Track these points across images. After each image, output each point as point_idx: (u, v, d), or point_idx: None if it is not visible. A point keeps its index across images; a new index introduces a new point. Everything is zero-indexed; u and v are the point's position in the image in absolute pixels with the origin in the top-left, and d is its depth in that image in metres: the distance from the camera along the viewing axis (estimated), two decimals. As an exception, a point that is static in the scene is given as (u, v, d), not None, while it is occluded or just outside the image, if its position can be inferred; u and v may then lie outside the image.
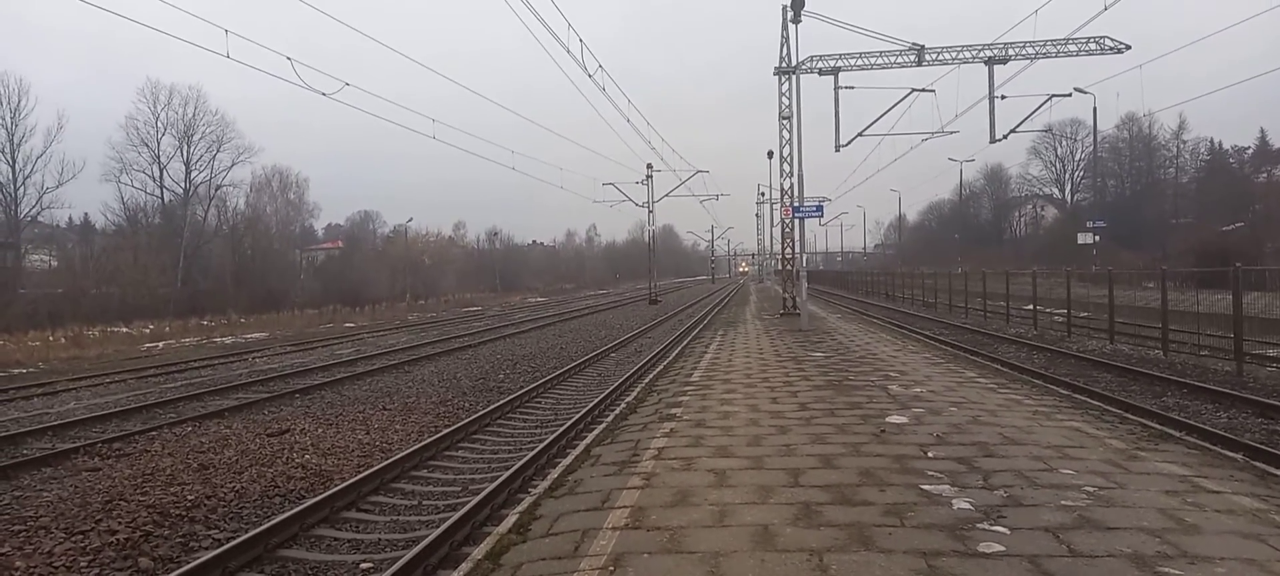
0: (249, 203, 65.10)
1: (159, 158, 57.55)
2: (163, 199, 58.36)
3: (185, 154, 58.43)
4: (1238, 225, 56.69)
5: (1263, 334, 15.99)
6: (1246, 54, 77.78)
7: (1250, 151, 73.83)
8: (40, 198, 52.43)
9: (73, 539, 7.11)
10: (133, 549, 6.88)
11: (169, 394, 16.13)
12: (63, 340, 31.50)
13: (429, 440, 10.56)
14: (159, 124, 57.28)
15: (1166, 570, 4.04)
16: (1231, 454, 7.21)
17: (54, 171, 52.44)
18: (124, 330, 36.15)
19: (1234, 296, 15.62)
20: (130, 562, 6.63)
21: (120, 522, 7.50)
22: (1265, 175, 69.54)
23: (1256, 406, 11.54)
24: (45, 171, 51.85)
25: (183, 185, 58.89)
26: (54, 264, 55.02)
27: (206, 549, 6.87)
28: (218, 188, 60.35)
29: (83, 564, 6.56)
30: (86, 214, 63.96)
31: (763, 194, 63.13)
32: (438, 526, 6.98)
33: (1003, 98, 27.02)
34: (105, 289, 46.94)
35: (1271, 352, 15.37)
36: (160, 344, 31.72)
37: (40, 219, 54.79)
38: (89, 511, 7.90)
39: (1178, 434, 8.11)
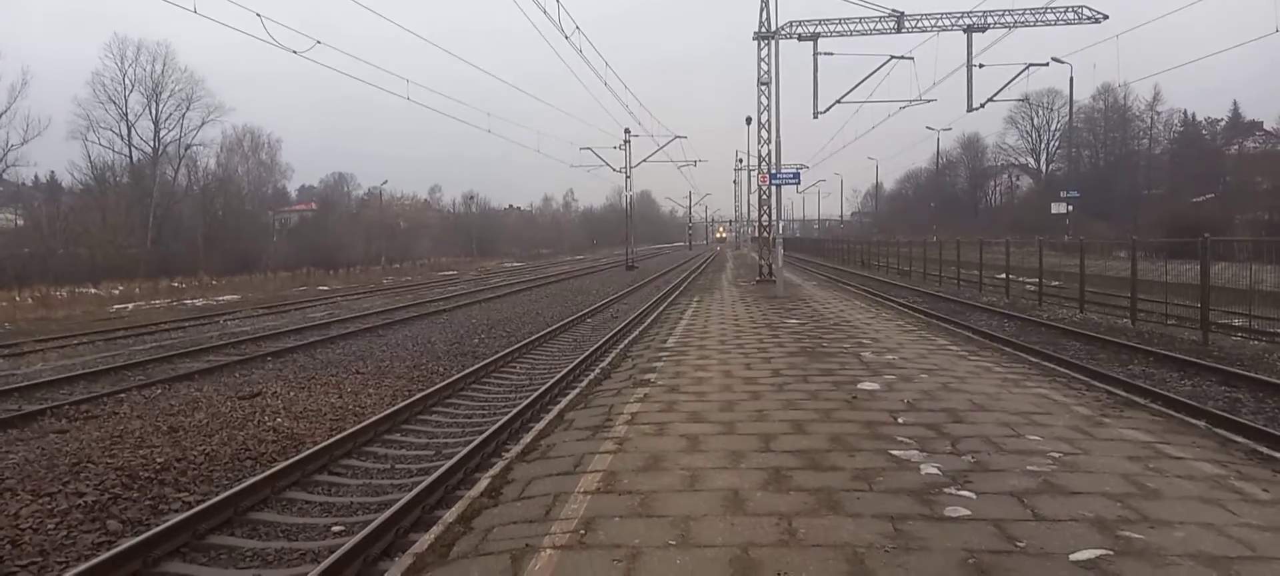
0: (220, 163, 64.04)
1: (127, 115, 56.30)
2: (131, 158, 57.20)
3: (154, 112, 57.23)
4: (1208, 196, 57.50)
5: (1229, 304, 16.24)
6: (1222, 25, 78.29)
7: (1223, 123, 74.77)
8: (4, 155, 51.06)
9: (40, 501, 7.02)
10: (101, 511, 6.82)
11: (138, 356, 15.94)
12: (30, 301, 30.97)
13: (402, 404, 10.52)
14: (127, 81, 55.98)
15: (1128, 533, 4.12)
16: (1194, 421, 7.35)
17: (19, 128, 50.88)
18: (93, 291, 35.56)
19: (1202, 267, 15.84)
20: (98, 525, 6.57)
21: (88, 485, 7.42)
22: (1237, 147, 70.52)
23: (1220, 375, 11.76)
24: (10, 128, 50.44)
25: (152, 144, 57.72)
26: (20, 223, 53.88)
27: (176, 511, 6.82)
28: (188, 147, 59.24)
29: (50, 526, 6.49)
30: (53, 172, 62.89)
31: (740, 160, 63.05)
32: (410, 490, 6.97)
33: (981, 66, 27.08)
34: (73, 249, 46.10)
35: (1237, 322, 15.64)
36: (130, 305, 31.28)
37: (5, 177, 53.62)
38: (56, 474, 7.80)
39: (1143, 401, 8.26)
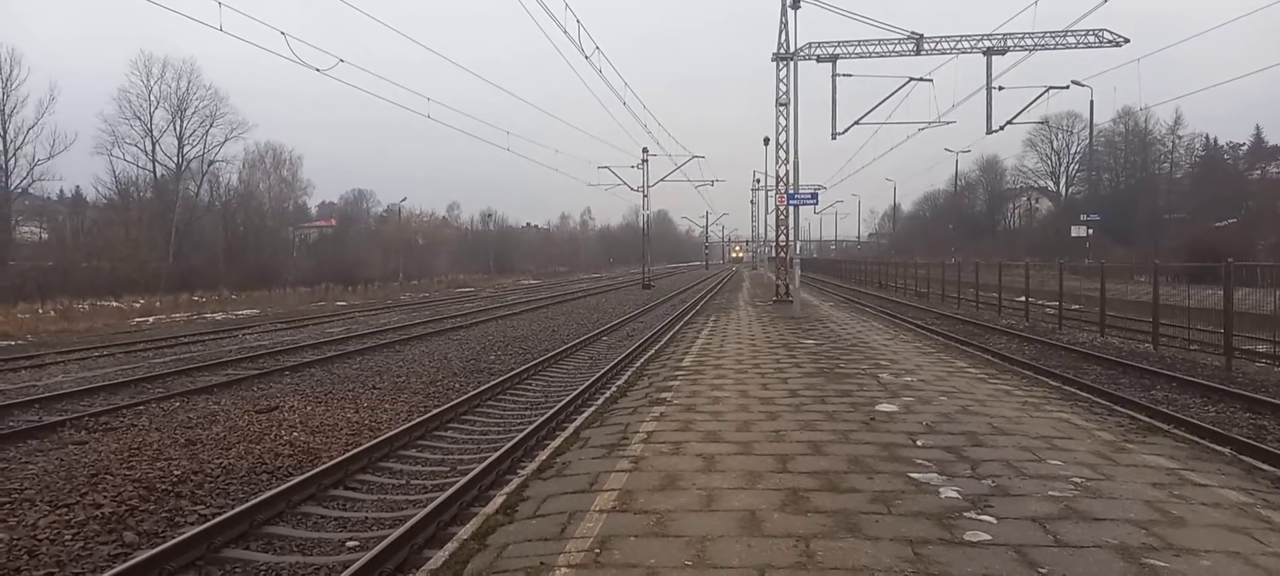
0: (242, 179, 64.95)
1: (151, 131, 57.13)
2: (155, 173, 57.97)
3: (178, 128, 57.98)
4: (1230, 221, 56.88)
5: (1252, 329, 16.03)
6: (1244, 50, 77.82)
7: (1245, 148, 74.15)
8: (31, 169, 51.93)
9: (57, 512, 7.07)
10: (118, 522, 6.85)
11: (158, 369, 16.06)
12: (52, 313, 31.34)
13: (418, 420, 10.52)
14: (152, 97, 56.84)
15: (1152, 561, 4.04)
16: (1219, 448, 7.23)
17: (45, 143, 51.78)
18: (114, 304, 35.94)
19: (1225, 292, 15.66)
20: (115, 536, 6.59)
21: (106, 496, 7.46)
22: (1259, 172, 69.85)
23: (1245, 401, 11.59)
24: (36, 143, 51.32)
25: (175, 160, 58.43)
26: (44, 236, 54.69)
27: (192, 524, 6.84)
28: (211, 163, 60.04)
29: (67, 536, 6.52)
30: (78, 186, 63.50)
31: (758, 180, 63.06)
32: (425, 506, 6.95)
33: (1000, 89, 27.01)
34: (96, 262, 46.63)
35: (1261, 348, 15.43)
36: (150, 319, 31.57)
37: (31, 191, 54.44)
38: (74, 485, 7.86)
39: (1166, 427, 8.13)
